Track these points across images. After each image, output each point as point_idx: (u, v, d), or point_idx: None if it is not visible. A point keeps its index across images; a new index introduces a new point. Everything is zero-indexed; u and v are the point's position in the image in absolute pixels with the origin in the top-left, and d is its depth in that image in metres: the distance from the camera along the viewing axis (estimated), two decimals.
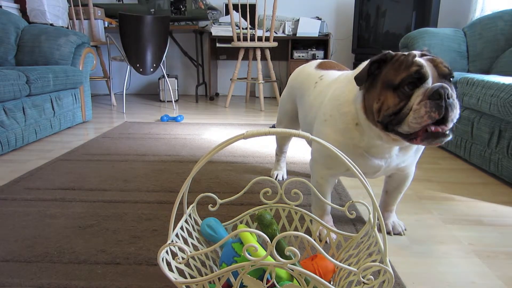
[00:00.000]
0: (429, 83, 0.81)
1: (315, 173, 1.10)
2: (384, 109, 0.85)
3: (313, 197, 1.15)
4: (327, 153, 1.03)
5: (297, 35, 3.92)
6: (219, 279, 0.70)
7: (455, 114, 0.81)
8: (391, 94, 0.84)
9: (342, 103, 0.97)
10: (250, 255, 0.66)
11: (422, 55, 0.86)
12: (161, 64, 3.43)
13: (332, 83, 1.10)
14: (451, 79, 0.85)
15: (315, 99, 1.16)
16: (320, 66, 1.30)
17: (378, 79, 0.87)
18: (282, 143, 1.62)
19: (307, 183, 0.99)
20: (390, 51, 0.89)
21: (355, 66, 3.92)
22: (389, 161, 0.99)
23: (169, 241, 0.73)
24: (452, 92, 0.81)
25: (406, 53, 0.87)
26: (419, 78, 0.81)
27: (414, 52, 0.87)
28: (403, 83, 0.82)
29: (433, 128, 0.81)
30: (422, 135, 0.83)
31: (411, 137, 0.84)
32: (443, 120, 0.80)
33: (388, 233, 1.17)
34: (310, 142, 1.21)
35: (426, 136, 0.82)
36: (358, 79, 0.89)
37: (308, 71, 1.32)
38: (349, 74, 1.04)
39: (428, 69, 0.82)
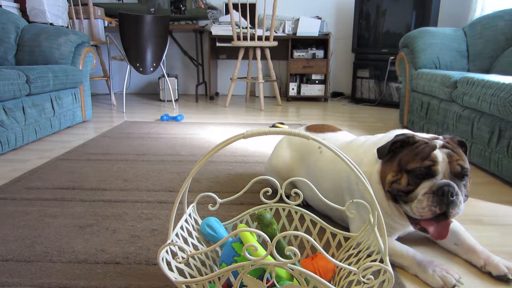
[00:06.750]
0: (438, 179, 0.86)
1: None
2: (396, 183, 0.92)
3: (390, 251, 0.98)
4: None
5: (297, 35, 3.92)
6: (219, 278, 0.70)
7: (456, 211, 0.86)
8: (405, 176, 0.90)
9: (364, 164, 1.03)
10: (250, 255, 0.66)
11: (443, 146, 0.89)
12: (161, 64, 3.43)
13: (351, 150, 1.12)
14: (465, 176, 0.88)
15: (326, 164, 1.17)
16: (310, 130, 1.33)
17: (397, 156, 0.93)
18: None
19: (313, 189, 0.96)
20: (415, 135, 0.93)
21: (355, 65, 3.93)
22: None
23: (169, 241, 0.73)
24: (458, 191, 0.85)
25: (428, 141, 0.91)
26: (428, 173, 0.86)
27: (436, 142, 0.90)
28: (413, 171, 0.88)
29: (431, 231, 0.88)
30: (419, 227, 0.90)
31: (412, 221, 0.92)
32: (444, 215, 0.86)
33: (504, 277, 0.89)
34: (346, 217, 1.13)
35: (423, 230, 0.90)
36: (379, 152, 0.97)
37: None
38: (374, 139, 1.08)
39: (442, 165, 0.86)
